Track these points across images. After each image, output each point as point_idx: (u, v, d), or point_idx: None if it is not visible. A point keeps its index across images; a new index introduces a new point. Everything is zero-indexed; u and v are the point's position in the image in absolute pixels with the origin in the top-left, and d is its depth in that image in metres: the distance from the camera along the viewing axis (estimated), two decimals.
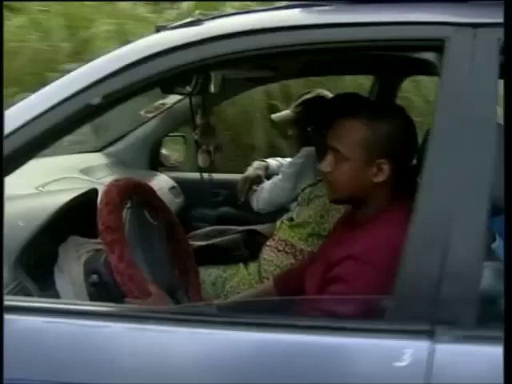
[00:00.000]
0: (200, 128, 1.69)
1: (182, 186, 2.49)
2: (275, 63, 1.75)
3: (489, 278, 0.90)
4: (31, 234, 1.27)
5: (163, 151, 2.59)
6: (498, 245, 1.24)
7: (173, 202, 2.39)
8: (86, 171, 2.04)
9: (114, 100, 1.02)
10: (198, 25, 1.05)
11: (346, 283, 1.06)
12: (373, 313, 0.94)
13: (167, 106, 2.33)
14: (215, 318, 1.00)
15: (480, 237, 0.89)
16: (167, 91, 1.51)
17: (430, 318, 0.87)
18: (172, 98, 2.30)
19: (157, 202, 1.51)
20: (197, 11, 1.08)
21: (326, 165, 1.20)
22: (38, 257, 1.30)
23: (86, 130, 2.40)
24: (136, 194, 1.41)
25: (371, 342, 0.87)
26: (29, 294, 1.18)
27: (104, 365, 0.95)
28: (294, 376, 0.88)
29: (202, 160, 1.78)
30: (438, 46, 0.97)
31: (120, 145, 2.49)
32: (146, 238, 1.42)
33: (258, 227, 2.04)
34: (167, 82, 1.09)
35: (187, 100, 2.32)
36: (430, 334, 0.86)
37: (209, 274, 1.84)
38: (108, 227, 1.21)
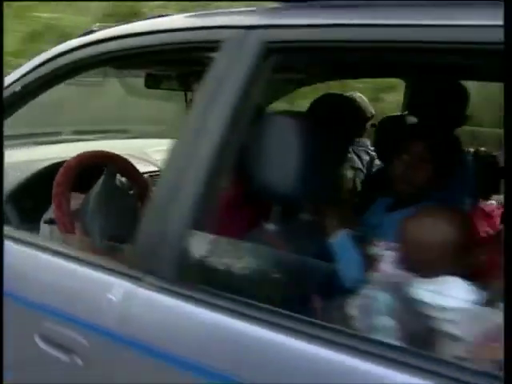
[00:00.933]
0: None
1: None
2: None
3: (197, 245, 1.05)
4: (25, 179, 1.79)
5: None
6: (338, 241, 1.29)
7: None
8: (149, 153, 2.51)
9: (30, 89, 1.44)
10: (90, 33, 1.41)
11: None
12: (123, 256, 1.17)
13: None
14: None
15: (190, 213, 1.04)
16: (151, 87, 1.88)
17: (145, 267, 1.07)
18: None
19: (134, 174, 1.90)
20: (97, 24, 1.43)
21: None
22: (33, 201, 1.81)
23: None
24: (108, 164, 1.81)
25: (102, 276, 1.12)
26: (8, 224, 1.69)
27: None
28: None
29: None
30: (218, 47, 1.13)
31: None
32: (114, 200, 1.81)
33: None
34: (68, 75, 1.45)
35: None
36: (138, 280, 1.07)
37: None
38: (58, 183, 1.65)
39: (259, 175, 1.14)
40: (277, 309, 0.94)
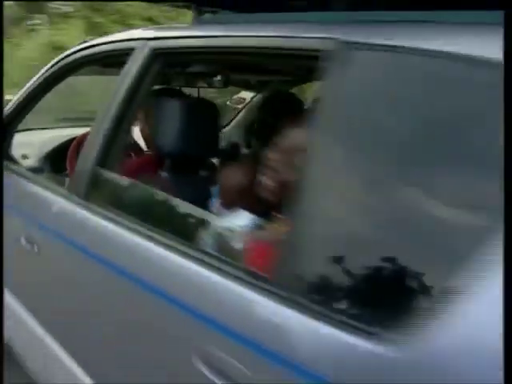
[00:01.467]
0: None
1: None
2: None
3: (102, 178, 1.64)
4: (58, 147, 2.54)
5: None
6: (216, 188, 1.82)
7: None
8: None
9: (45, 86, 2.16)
10: (84, 43, 2.07)
11: None
12: None
13: (247, 99, 3.23)
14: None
15: (99, 157, 1.64)
16: None
17: (73, 190, 1.70)
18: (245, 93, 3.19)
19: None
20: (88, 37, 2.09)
21: None
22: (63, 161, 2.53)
23: None
24: None
25: (55, 197, 1.78)
26: (41, 173, 2.42)
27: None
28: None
29: None
30: (131, 53, 1.71)
31: (227, 129, 3.50)
32: None
33: None
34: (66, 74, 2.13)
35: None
36: (67, 198, 1.70)
37: None
38: (71, 149, 2.35)
39: (163, 141, 1.74)
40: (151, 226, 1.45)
